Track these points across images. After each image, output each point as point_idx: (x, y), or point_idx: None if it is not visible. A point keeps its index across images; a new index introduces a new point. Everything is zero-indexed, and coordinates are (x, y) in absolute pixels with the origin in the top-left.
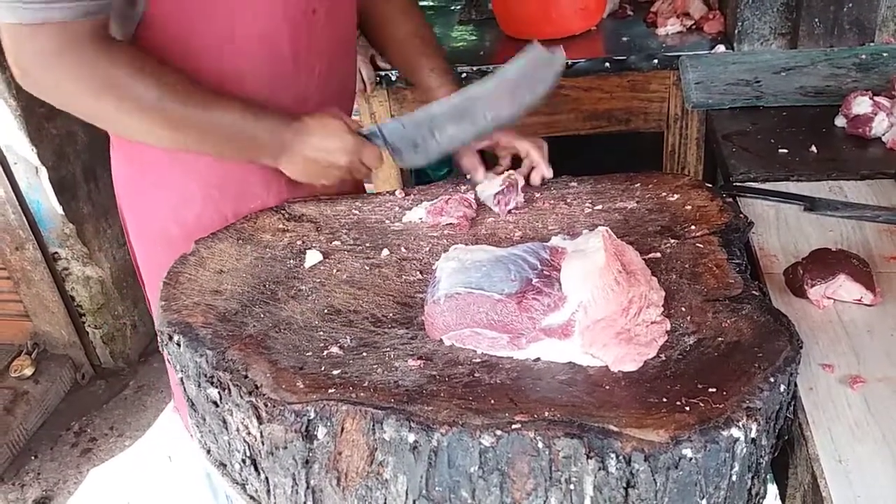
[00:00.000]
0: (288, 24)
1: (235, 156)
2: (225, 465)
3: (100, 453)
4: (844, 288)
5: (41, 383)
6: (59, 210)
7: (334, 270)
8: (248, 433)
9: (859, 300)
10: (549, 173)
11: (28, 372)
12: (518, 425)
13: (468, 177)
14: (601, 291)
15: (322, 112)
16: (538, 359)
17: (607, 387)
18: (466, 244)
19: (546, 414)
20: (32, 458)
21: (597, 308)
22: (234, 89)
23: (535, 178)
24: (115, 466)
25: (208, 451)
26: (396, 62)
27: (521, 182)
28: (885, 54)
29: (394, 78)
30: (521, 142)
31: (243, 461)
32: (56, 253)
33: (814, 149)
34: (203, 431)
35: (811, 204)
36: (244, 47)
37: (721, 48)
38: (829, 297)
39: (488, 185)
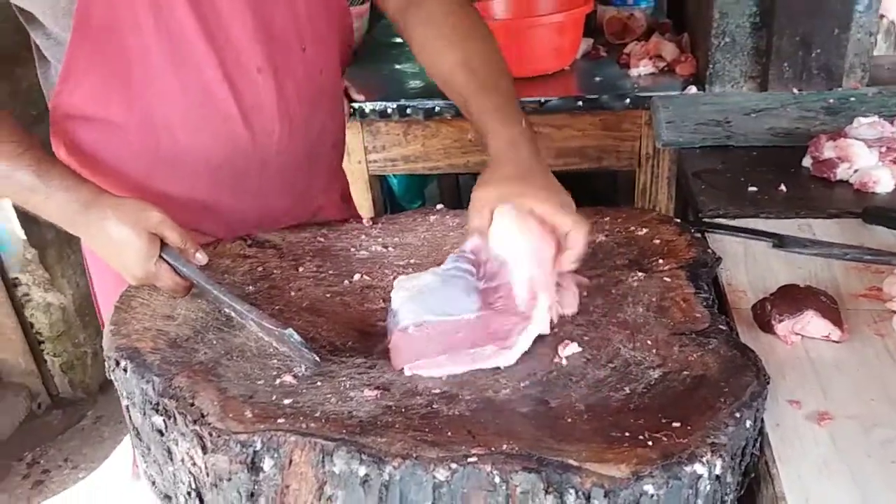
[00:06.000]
0: (228, 84)
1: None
2: (170, 498)
3: (52, 485)
4: (812, 324)
5: None
6: (22, 235)
7: (295, 297)
8: (194, 464)
9: (827, 336)
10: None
11: None
12: (474, 458)
13: (440, 208)
14: (537, 256)
15: (135, 213)
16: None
17: (569, 420)
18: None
19: (504, 447)
20: None
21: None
22: (189, 149)
23: (566, 263)
24: (67, 500)
25: (153, 483)
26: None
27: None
28: (852, 99)
29: (367, 110)
30: (562, 217)
31: (188, 493)
32: (17, 278)
33: (783, 188)
34: (148, 462)
35: (780, 241)
36: (192, 108)
37: (693, 89)
38: (796, 333)
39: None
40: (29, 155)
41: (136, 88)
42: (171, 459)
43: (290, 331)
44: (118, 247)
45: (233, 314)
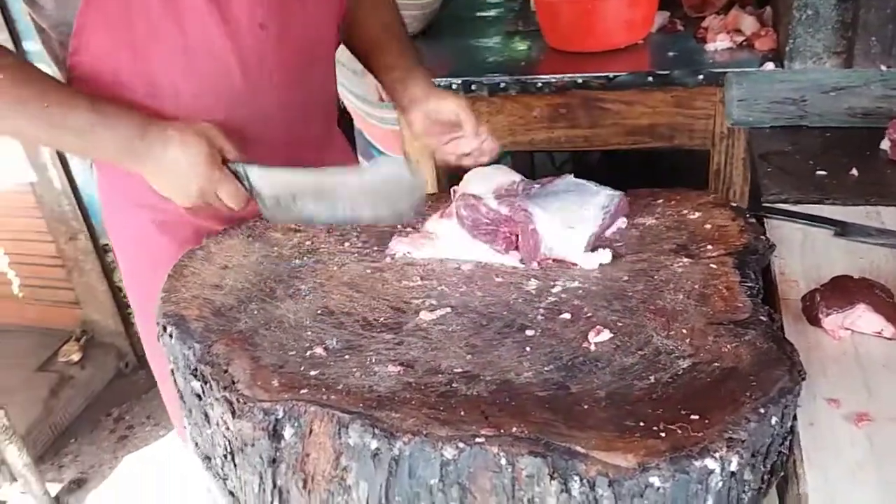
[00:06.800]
0: (232, 41)
1: (97, 158)
2: (209, 459)
3: (136, 441)
4: (864, 319)
5: (87, 369)
6: None
7: (337, 272)
8: (227, 428)
9: (879, 333)
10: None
11: (75, 357)
12: (482, 439)
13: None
14: None
15: (192, 126)
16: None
17: (586, 406)
18: None
19: (513, 429)
20: (72, 440)
21: None
22: (191, 105)
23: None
24: (149, 455)
25: (196, 444)
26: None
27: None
28: None
29: None
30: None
31: (224, 456)
32: (107, 245)
33: (854, 172)
34: (190, 424)
35: (842, 229)
36: (192, 64)
37: (770, 65)
38: (845, 328)
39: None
40: (81, 95)
41: (139, 46)
42: (209, 422)
43: (400, 157)
44: (181, 155)
45: (320, 182)
